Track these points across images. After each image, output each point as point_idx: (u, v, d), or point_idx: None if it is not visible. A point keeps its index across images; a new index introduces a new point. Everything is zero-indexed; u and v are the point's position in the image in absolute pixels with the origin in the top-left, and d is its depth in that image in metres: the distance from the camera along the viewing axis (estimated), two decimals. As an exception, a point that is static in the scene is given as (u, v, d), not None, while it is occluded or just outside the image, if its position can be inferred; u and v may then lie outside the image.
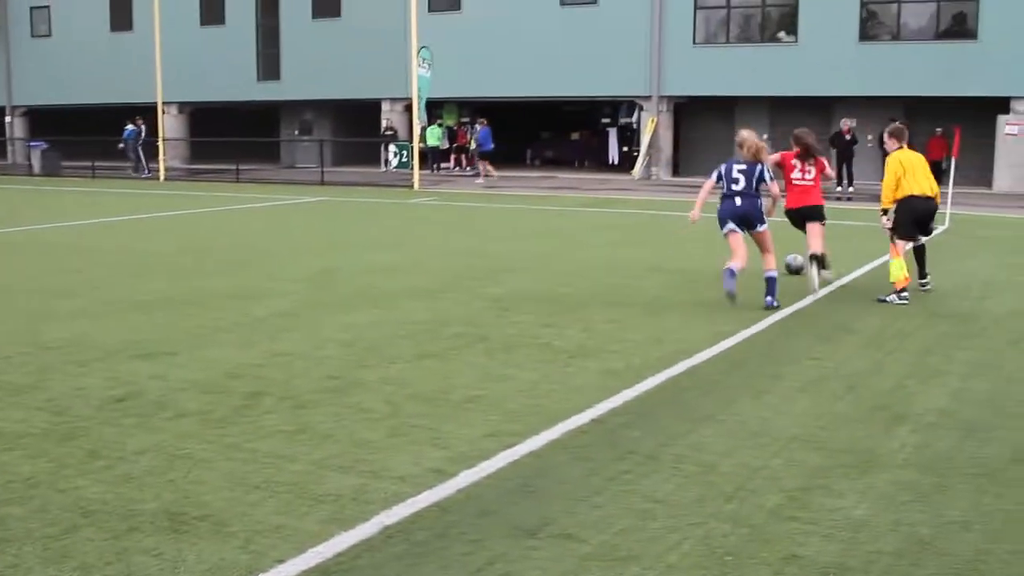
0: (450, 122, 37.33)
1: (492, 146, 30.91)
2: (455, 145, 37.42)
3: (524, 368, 7.44)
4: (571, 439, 5.81)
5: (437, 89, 31.98)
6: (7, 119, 44.36)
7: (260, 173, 33.24)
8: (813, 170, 10.51)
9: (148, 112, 35.34)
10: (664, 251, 14.84)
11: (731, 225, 9.80)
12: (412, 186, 27.92)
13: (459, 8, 34.75)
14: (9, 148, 43.51)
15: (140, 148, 35.45)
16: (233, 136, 36.18)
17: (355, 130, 38.13)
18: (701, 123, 33.85)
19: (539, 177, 31.89)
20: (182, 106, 39.48)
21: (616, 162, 36.89)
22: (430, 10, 33.95)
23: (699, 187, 10.46)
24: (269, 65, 38.57)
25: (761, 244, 9.92)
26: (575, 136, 39.33)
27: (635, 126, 34.34)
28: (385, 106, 36.18)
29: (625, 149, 36.22)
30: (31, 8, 43.59)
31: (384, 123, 36.08)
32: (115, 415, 6.22)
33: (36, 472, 5.25)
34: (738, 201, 9.76)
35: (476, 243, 15.60)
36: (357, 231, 17.83)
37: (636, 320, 9.27)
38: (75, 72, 41.94)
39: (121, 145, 38.25)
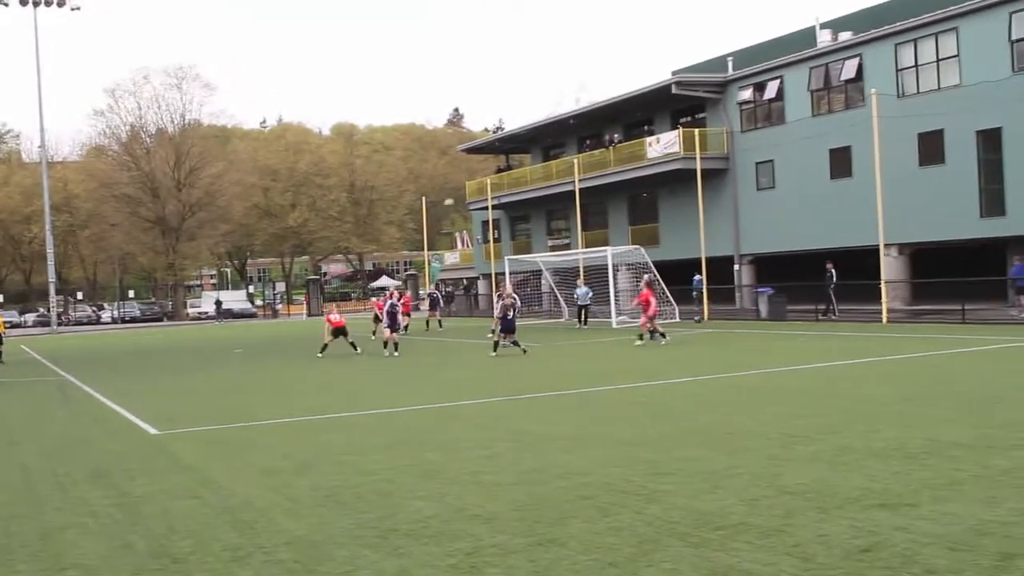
0: None
1: None
2: None
3: None
4: None
5: None
6: (736, 267, 47.56)
7: (987, 313, 31.83)
8: None
9: (869, 256, 35.81)
10: None
11: None
12: None
13: None
14: (737, 294, 46.49)
15: (832, 292, 36.02)
16: (955, 276, 35.20)
17: (1093, 265, 35.05)
18: None
19: None
20: (902, 247, 39.33)
21: None
22: None
23: None
24: (992, 201, 37.16)
25: None
26: None
27: None
28: None
29: None
30: (756, 164, 46.73)
31: None
32: (861, 565, 6.26)
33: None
34: None
35: None
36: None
37: None
38: (796, 220, 43.98)
39: (695, 293, 39.70)
